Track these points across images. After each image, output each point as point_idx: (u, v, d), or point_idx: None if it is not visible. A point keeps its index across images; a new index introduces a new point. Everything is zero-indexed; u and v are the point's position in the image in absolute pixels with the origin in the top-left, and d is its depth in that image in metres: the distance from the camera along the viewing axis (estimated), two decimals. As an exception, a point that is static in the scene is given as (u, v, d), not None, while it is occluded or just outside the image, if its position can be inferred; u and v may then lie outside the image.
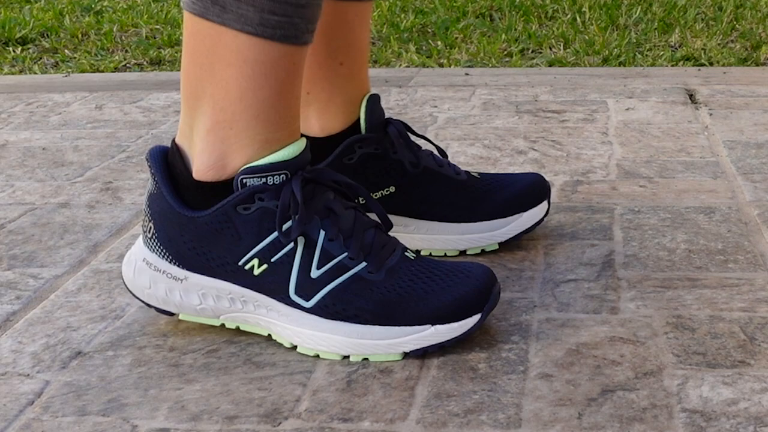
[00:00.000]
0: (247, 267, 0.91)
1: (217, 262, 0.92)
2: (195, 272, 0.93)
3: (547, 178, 1.29)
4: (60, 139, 1.62)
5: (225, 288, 0.92)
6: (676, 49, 2.21)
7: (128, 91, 1.94)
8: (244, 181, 0.90)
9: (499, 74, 1.98)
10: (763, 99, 1.74)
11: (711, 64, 2.10)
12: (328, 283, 0.90)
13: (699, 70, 2.00)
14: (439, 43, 2.31)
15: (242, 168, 0.90)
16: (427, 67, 2.14)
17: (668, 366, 0.87)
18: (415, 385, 0.85)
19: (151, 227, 0.94)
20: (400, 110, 1.72)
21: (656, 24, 2.37)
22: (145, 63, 2.28)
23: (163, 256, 0.94)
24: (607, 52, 2.18)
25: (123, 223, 1.24)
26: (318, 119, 1.08)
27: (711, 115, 1.65)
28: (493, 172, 1.23)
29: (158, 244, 0.94)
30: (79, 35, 2.50)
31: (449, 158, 1.44)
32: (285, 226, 0.90)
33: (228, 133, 0.90)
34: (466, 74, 2.00)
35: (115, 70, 2.23)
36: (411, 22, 2.45)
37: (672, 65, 2.10)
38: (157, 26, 2.55)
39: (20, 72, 2.23)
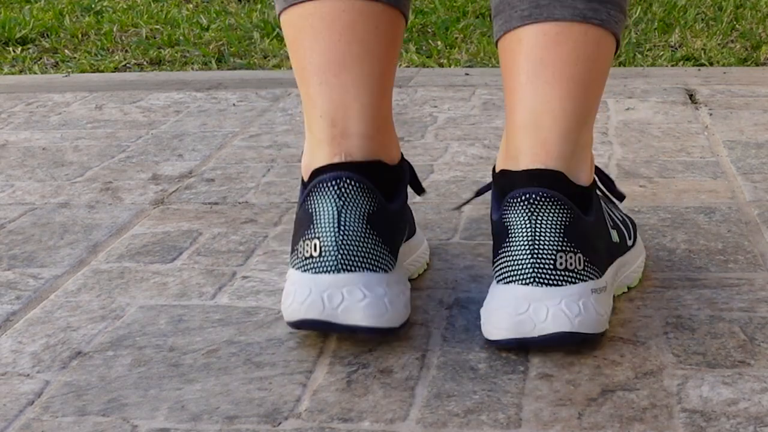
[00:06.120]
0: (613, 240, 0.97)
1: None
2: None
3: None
4: (60, 139, 1.62)
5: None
6: (676, 49, 2.21)
7: (128, 91, 1.94)
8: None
9: (499, 74, 1.98)
10: (763, 99, 1.74)
11: (711, 64, 2.10)
12: None
13: (699, 70, 2.00)
14: (439, 43, 2.31)
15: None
16: (427, 67, 2.14)
17: (668, 366, 0.87)
18: (415, 385, 0.85)
19: (580, 258, 0.89)
20: (400, 110, 1.72)
21: (656, 24, 2.37)
22: (145, 63, 2.28)
23: (597, 276, 0.91)
24: (607, 52, 2.18)
25: (123, 223, 1.24)
26: None
27: (711, 115, 1.65)
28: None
29: (592, 266, 0.90)
30: (79, 35, 2.50)
31: (449, 158, 1.44)
32: None
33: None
34: (466, 74, 2.00)
35: (115, 70, 2.23)
36: (411, 22, 2.45)
37: (672, 65, 2.10)
38: (157, 26, 2.55)
39: (20, 72, 2.23)
